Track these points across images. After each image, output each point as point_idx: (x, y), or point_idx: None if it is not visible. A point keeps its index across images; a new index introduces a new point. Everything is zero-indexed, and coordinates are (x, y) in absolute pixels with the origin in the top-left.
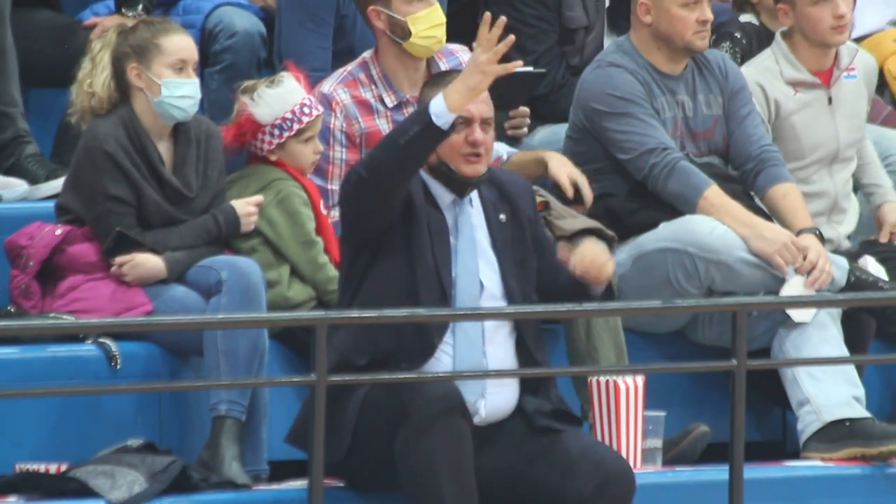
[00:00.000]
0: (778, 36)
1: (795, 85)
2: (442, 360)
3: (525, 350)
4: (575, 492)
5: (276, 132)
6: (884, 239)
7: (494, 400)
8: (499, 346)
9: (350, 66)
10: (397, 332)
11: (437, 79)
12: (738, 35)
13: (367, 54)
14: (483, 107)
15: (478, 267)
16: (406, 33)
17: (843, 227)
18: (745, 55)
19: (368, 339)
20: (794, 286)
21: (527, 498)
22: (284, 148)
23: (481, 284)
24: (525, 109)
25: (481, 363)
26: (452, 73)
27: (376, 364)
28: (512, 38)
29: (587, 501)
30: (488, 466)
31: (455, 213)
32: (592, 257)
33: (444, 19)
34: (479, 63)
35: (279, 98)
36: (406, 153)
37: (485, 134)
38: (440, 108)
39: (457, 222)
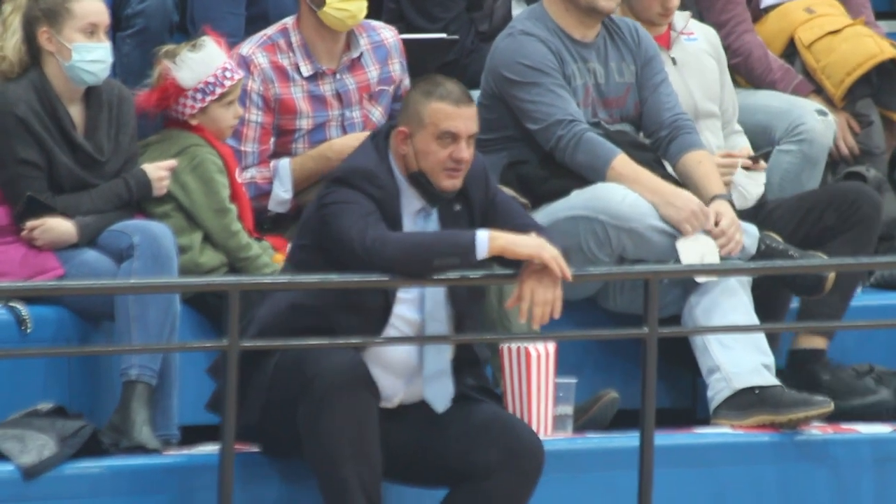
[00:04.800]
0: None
1: None
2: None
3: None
4: (482, 461)
5: (199, 96)
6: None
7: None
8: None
9: (270, 31)
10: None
11: (430, 87)
12: None
13: (289, 21)
14: (471, 123)
15: None
16: (320, 2)
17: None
18: None
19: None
20: (698, 244)
21: (436, 467)
22: (206, 112)
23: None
24: None
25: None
26: (447, 82)
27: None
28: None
29: (494, 471)
30: (398, 437)
31: (420, 222)
32: (537, 300)
33: None
34: (546, 254)
35: (202, 62)
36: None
37: (468, 149)
38: (483, 249)
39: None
